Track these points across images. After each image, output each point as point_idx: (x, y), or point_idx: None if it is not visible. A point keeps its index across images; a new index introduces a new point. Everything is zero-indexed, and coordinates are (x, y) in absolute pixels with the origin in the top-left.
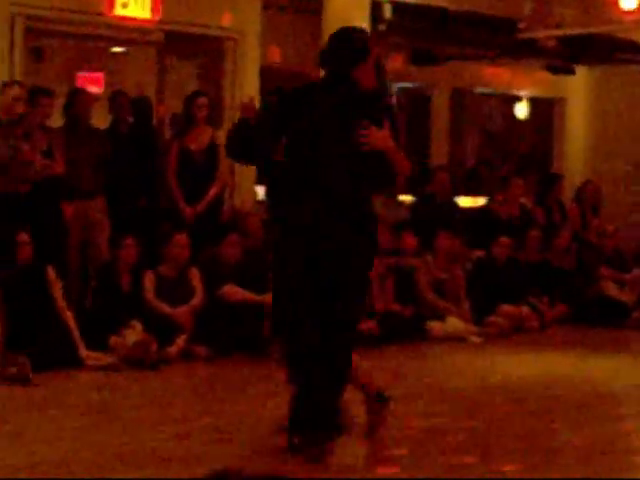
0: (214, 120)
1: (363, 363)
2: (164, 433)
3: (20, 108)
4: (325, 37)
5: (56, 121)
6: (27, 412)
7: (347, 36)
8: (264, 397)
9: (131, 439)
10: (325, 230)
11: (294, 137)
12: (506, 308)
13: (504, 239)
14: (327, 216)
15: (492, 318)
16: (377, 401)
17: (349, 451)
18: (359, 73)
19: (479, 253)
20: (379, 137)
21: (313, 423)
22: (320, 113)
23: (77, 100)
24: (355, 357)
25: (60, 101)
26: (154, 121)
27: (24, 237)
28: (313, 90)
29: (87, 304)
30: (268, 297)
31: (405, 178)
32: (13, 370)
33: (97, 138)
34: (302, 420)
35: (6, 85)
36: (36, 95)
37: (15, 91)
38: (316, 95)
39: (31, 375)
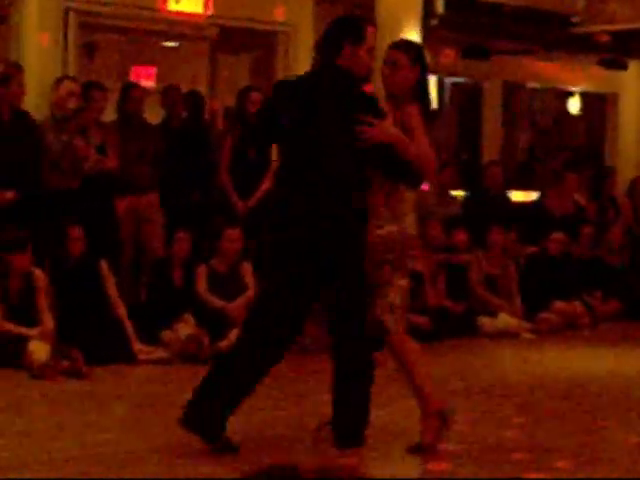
0: None
1: (422, 369)
2: None
3: (73, 103)
4: (377, 31)
5: (109, 116)
6: (80, 405)
7: (334, 24)
8: (314, 392)
9: (184, 432)
10: (325, 214)
11: (290, 127)
12: (558, 305)
13: (558, 235)
14: (327, 202)
15: (544, 314)
16: (437, 418)
17: (399, 446)
18: (344, 60)
19: (532, 249)
20: (378, 131)
21: (351, 422)
22: (308, 104)
23: (130, 95)
24: (416, 360)
25: (113, 96)
26: (206, 116)
27: (76, 232)
28: (306, 80)
29: (140, 298)
30: None
31: (430, 168)
32: (66, 364)
33: (150, 133)
34: (342, 419)
35: (59, 80)
36: (89, 90)
37: (68, 86)
38: (307, 85)
39: (84, 369)
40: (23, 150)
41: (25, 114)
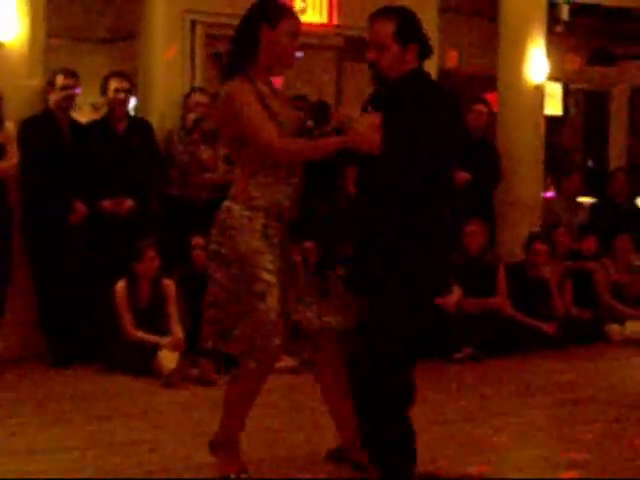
0: None
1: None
2: None
3: (195, 114)
4: (502, 39)
5: None
6: (206, 413)
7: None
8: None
9: (317, 440)
10: None
11: None
12: None
13: None
14: None
15: None
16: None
17: (527, 454)
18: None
19: None
20: None
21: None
22: None
23: None
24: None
25: None
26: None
27: (199, 241)
28: None
29: None
30: None
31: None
32: (196, 372)
33: None
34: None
35: (190, 92)
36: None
37: (196, 98)
38: None
39: (214, 377)
40: (142, 158)
41: (140, 121)
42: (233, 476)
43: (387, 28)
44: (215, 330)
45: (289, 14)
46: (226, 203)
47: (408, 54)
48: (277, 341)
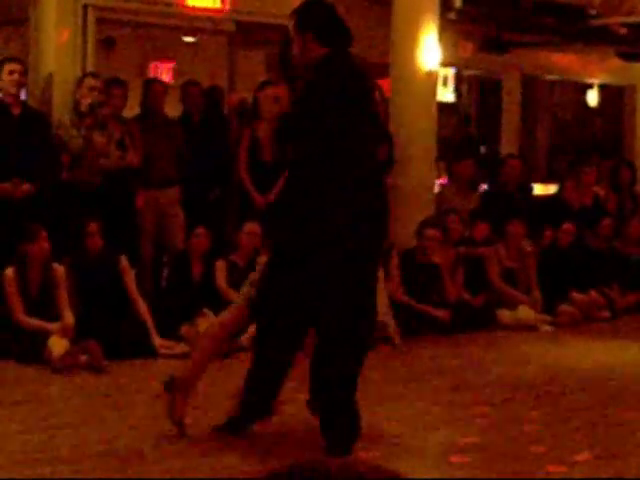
0: None
1: None
2: None
3: (90, 99)
4: (395, 25)
5: (129, 111)
6: (98, 400)
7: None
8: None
9: (205, 427)
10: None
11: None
12: (577, 296)
13: (568, 226)
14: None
15: (563, 307)
16: None
17: (418, 440)
18: None
19: (546, 241)
20: None
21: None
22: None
23: (151, 90)
24: None
25: (132, 91)
26: (226, 111)
27: (94, 227)
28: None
29: (160, 293)
30: None
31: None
32: (85, 358)
33: (171, 128)
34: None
35: (82, 77)
36: (109, 86)
37: (90, 82)
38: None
39: (104, 363)
40: (36, 145)
41: (35, 113)
42: None
43: (291, 23)
44: None
45: None
46: None
47: (307, 43)
48: None
